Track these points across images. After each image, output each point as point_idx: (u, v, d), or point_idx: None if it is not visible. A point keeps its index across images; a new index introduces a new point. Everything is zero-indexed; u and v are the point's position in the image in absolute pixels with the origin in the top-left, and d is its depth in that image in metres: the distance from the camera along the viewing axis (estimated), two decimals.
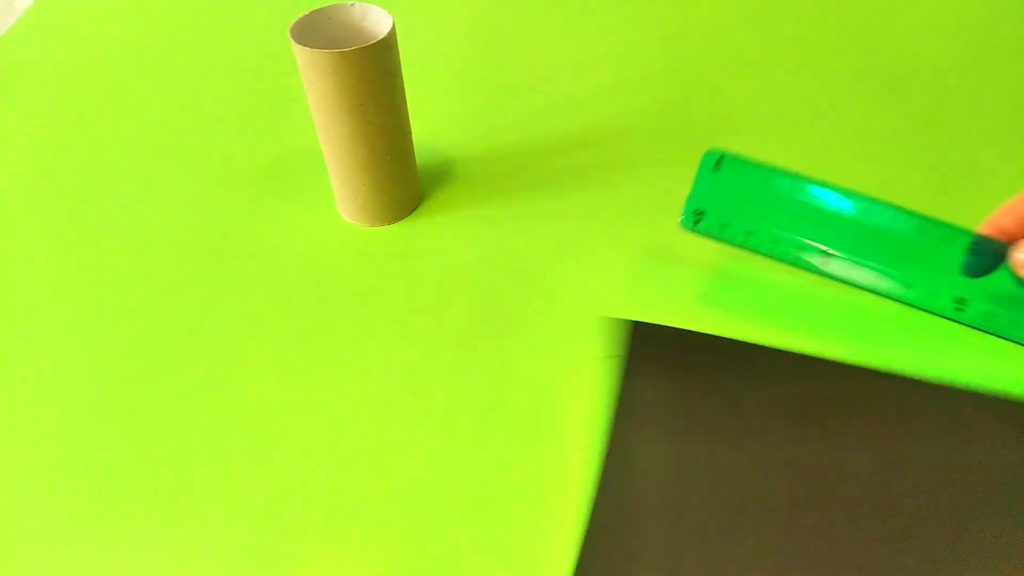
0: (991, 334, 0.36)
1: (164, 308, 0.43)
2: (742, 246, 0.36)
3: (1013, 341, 0.36)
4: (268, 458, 0.36)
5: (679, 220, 0.38)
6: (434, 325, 0.42)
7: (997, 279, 0.35)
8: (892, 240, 0.35)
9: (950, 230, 0.36)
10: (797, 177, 0.37)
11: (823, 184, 0.37)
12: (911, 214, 0.36)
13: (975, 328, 0.36)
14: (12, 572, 0.33)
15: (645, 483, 0.33)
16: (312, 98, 0.42)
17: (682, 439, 0.34)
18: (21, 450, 0.37)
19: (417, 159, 0.49)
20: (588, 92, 0.59)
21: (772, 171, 0.37)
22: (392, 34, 0.41)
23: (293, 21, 0.41)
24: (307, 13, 0.42)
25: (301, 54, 0.40)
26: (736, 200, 0.36)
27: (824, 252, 0.35)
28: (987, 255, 0.34)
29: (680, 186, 0.50)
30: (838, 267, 0.35)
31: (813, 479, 0.32)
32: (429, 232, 0.47)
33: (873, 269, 0.35)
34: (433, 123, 0.56)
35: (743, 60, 0.61)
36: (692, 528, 0.31)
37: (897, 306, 0.38)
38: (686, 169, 0.51)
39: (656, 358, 0.37)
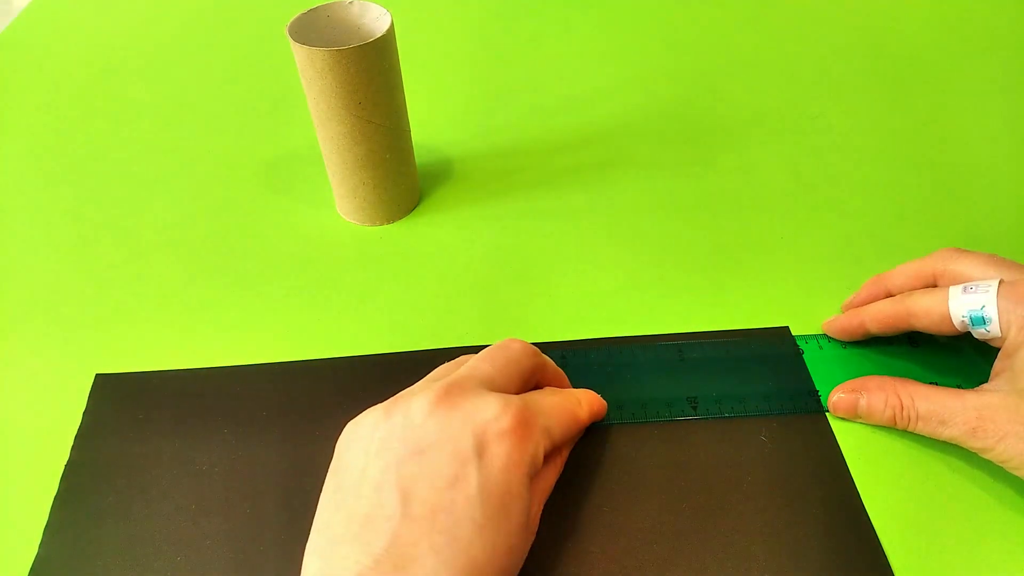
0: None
1: (163, 307, 0.43)
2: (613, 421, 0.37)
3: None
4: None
5: None
6: (433, 324, 0.41)
7: None
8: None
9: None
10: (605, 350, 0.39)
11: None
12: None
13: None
14: None
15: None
16: (310, 96, 0.42)
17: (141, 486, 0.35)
18: (24, 462, 0.37)
19: (416, 158, 0.48)
20: (588, 92, 0.58)
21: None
22: (391, 32, 0.41)
23: (291, 19, 0.41)
24: (305, 11, 0.42)
25: (299, 52, 0.40)
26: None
27: (690, 400, 0.37)
28: None
29: (680, 186, 0.50)
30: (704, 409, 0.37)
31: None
32: (428, 231, 0.47)
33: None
34: (433, 122, 0.55)
35: (743, 60, 0.61)
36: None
37: None
38: (686, 169, 0.51)
39: (119, 407, 0.38)
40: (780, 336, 0.40)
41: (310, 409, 0.37)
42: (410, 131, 0.46)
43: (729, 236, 0.46)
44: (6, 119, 0.58)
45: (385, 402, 0.30)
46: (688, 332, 0.40)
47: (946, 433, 0.33)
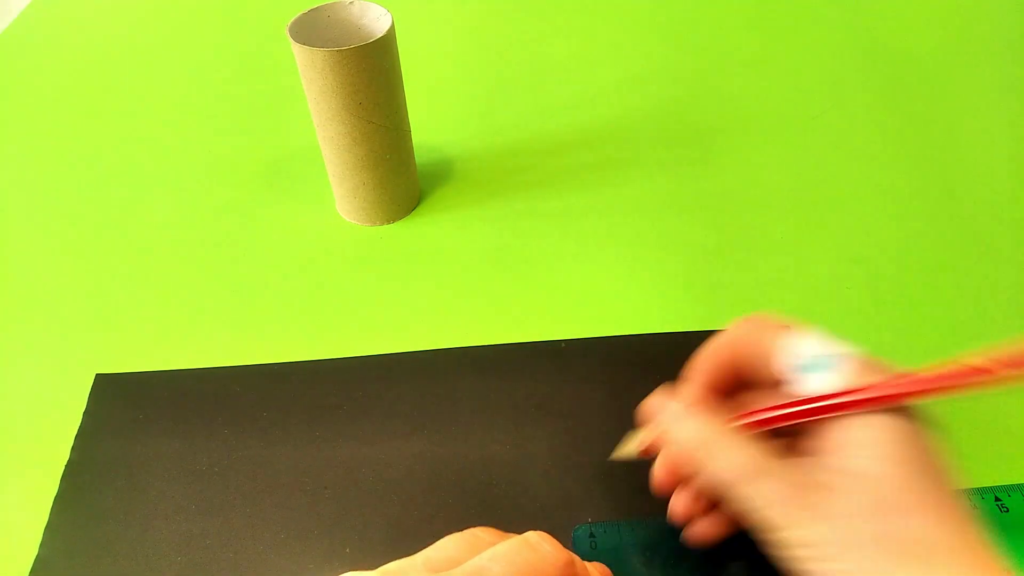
0: None
1: (163, 307, 0.43)
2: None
3: None
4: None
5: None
6: (433, 324, 0.41)
7: None
8: None
9: None
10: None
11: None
12: None
13: None
14: None
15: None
16: (311, 97, 0.42)
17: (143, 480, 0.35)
18: (24, 462, 0.37)
19: (416, 158, 0.48)
20: (588, 92, 0.58)
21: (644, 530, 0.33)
22: (391, 32, 0.41)
23: (292, 19, 0.41)
24: (306, 11, 0.42)
25: (300, 52, 0.40)
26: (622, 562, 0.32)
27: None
28: None
29: (680, 186, 0.50)
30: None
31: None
32: (428, 231, 0.47)
33: None
34: (433, 122, 0.55)
35: (743, 60, 0.61)
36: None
37: None
38: (686, 169, 0.51)
39: (119, 407, 0.38)
40: None
41: (310, 409, 0.37)
42: (410, 131, 0.46)
43: (729, 236, 0.46)
44: (6, 119, 0.58)
45: None
46: (695, 331, 0.40)
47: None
